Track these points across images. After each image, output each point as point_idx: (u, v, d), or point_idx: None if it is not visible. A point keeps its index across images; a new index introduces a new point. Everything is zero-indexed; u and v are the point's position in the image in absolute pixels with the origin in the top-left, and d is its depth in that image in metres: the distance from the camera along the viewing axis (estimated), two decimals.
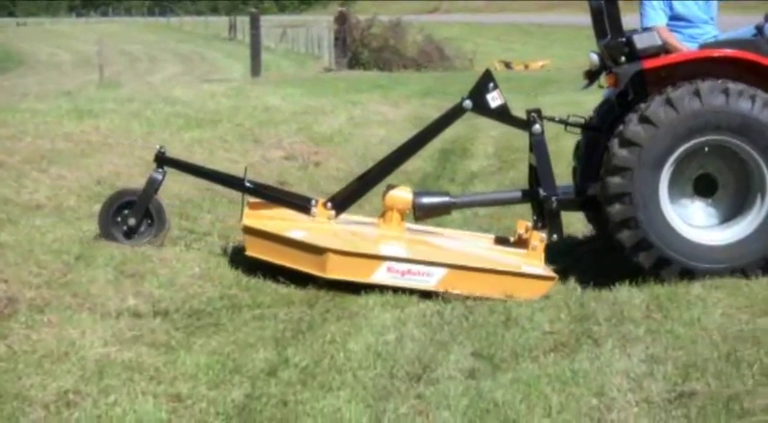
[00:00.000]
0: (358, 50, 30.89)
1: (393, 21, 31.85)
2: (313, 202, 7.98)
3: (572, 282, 7.41)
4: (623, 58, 7.71)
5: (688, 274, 7.39)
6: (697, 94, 7.39)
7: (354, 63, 30.63)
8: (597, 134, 8.15)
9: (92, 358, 5.80)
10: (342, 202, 8.01)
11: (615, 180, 7.48)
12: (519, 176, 11.90)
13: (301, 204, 7.99)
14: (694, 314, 6.52)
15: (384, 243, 7.72)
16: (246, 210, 7.97)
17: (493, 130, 15.56)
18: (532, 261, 7.68)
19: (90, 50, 40.80)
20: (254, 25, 27.80)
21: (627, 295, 7.05)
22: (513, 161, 13.33)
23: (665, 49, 7.77)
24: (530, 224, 8.04)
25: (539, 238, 7.76)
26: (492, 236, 8.50)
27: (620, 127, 7.55)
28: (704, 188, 7.73)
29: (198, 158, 11.59)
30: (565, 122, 8.28)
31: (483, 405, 5.35)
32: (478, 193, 9.58)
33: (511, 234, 8.30)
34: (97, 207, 8.31)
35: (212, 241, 8.53)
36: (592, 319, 6.67)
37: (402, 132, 15.27)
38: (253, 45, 27.32)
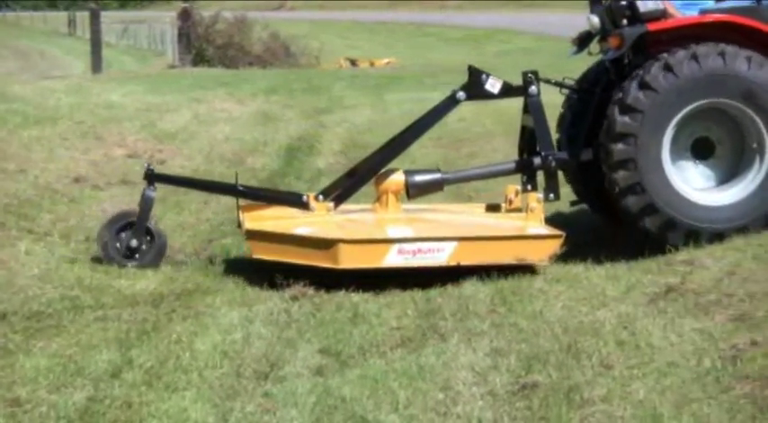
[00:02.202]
0: (202, 47, 30.53)
1: (238, 17, 31.56)
2: (304, 197, 8.00)
3: (419, 278, 7.47)
4: (624, 21, 7.92)
5: (694, 235, 7.58)
6: (695, 57, 7.56)
7: (199, 60, 30.26)
8: (585, 102, 8.35)
9: None
10: (339, 194, 8.03)
11: (619, 146, 7.61)
12: None
13: (299, 201, 7.99)
14: (536, 307, 6.67)
15: (389, 226, 7.79)
16: (243, 214, 7.90)
17: (338, 127, 15.65)
18: (534, 223, 7.83)
19: None
20: (95, 21, 27.21)
21: (472, 290, 7.15)
22: (360, 158, 13.35)
23: (666, 14, 7.96)
24: (519, 188, 8.17)
25: (536, 199, 7.91)
26: (482, 204, 8.59)
27: (620, 94, 7.68)
28: (701, 151, 7.90)
29: (37, 157, 11.30)
30: (560, 85, 8.48)
31: (330, 402, 5.36)
32: (470, 167, 9.62)
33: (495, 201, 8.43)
34: None
35: (53, 241, 8.32)
36: (438, 315, 6.75)
37: (248, 130, 15.22)
38: (93, 41, 26.73)
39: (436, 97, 18.62)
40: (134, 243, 7.88)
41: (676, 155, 7.81)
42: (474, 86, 8.08)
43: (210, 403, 5.36)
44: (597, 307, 6.57)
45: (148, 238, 7.94)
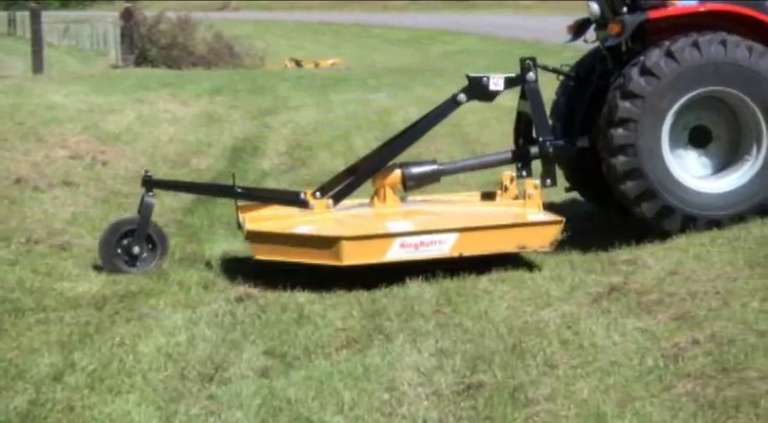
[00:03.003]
0: (146, 47, 30.27)
1: (181, 17, 31.33)
2: (301, 195, 8.02)
3: (364, 278, 7.46)
4: (625, 9, 8.02)
5: (691, 221, 7.69)
6: (696, 45, 7.65)
7: (142, 60, 30.00)
8: (580, 89, 8.48)
9: None
10: (338, 192, 8.06)
11: (619, 132, 7.67)
12: (312, 174, 11.96)
13: (297, 200, 8.00)
14: (481, 308, 6.69)
15: (390, 221, 7.81)
16: (242, 215, 7.89)
17: (284, 128, 15.61)
18: (532, 209, 7.89)
19: None
20: (35, 20, 26.88)
21: (417, 290, 7.16)
22: (305, 159, 13.39)
23: (665, 2, 8.03)
24: (514, 175, 8.23)
25: (533, 186, 7.96)
26: (477, 192, 8.62)
27: (620, 80, 7.74)
28: (698, 139, 8.02)
29: None
30: (558, 71, 8.57)
31: (276, 403, 5.35)
32: (465, 158, 9.57)
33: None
34: None
35: None
36: (383, 315, 6.75)
37: (192, 131, 15.12)
38: (34, 41, 26.40)
39: (381, 98, 18.90)
40: (136, 250, 7.83)
41: (674, 143, 7.89)
42: (478, 91, 8.09)
43: (154, 406, 5.33)
44: (541, 307, 6.61)
45: (150, 245, 7.90)
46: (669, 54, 7.69)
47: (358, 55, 33.95)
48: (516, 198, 8.21)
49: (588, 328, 6.07)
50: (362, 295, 7.22)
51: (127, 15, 30.60)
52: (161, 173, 11.97)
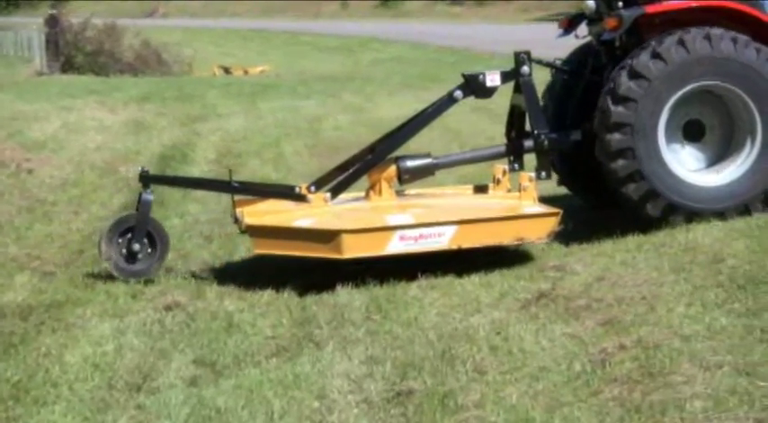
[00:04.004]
0: (72, 54, 29.94)
1: (108, 24, 31.06)
2: (297, 189, 8.07)
3: (294, 286, 7.47)
4: (620, 4, 8.15)
5: (695, 216, 7.82)
6: (682, 43, 7.76)
7: (68, 67, 29.68)
8: (570, 84, 8.65)
9: None
10: (336, 186, 8.10)
11: (615, 136, 7.77)
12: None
13: (294, 193, 8.04)
14: (411, 314, 6.71)
15: (389, 214, 7.78)
16: (240, 210, 7.86)
17: (212, 135, 15.53)
18: (528, 202, 7.94)
19: None
20: None
21: (347, 298, 7.16)
22: (234, 166, 13.24)
23: None
24: (507, 168, 8.30)
25: (527, 178, 8.01)
26: (470, 186, 8.68)
27: (611, 85, 7.86)
28: (692, 133, 8.13)
29: None
30: (552, 65, 8.75)
31: (205, 412, 5.32)
32: (460, 152, 9.58)
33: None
34: None
35: None
36: (313, 323, 6.75)
37: (120, 138, 14.99)
38: None
39: (311, 105, 18.86)
40: (136, 247, 7.73)
41: (669, 138, 7.99)
42: (475, 88, 8.13)
43: (81, 417, 5.28)
44: (471, 313, 6.65)
45: (149, 242, 7.80)
46: (656, 55, 7.80)
47: (288, 62, 33.88)
48: (509, 191, 8.30)
49: (517, 334, 6.12)
50: (292, 303, 7.20)
51: (52, 22, 30.25)
52: (88, 181, 11.86)
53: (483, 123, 14.31)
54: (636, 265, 7.07)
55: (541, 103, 8.66)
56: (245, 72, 30.01)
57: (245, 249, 8.66)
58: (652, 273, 6.84)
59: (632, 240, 7.72)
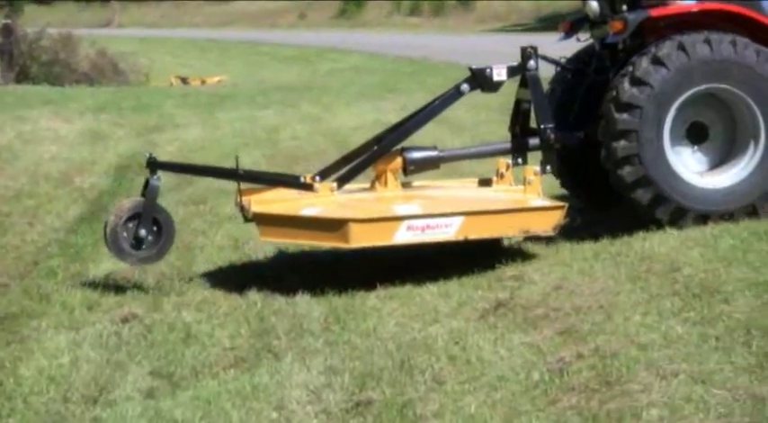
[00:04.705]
0: (26, 64, 29.64)
1: (64, 34, 30.78)
2: (302, 178, 8.11)
3: (252, 296, 7.45)
4: (624, 7, 8.26)
5: (703, 219, 7.90)
6: (682, 47, 7.85)
7: (23, 77, 29.38)
8: (574, 83, 8.76)
9: None
10: (342, 176, 8.14)
11: (621, 143, 7.86)
12: (198, 192, 11.82)
13: (302, 183, 8.05)
14: (370, 325, 6.72)
15: (396, 204, 7.83)
16: (246, 198, 7.85)
17: (170, 145, 15.43)
18: (533, 195, 8.00)
19: None
20: None
21: (306, 308, 7.16)
22: (191, 177, 13.22)
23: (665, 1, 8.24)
24: (510, 162, 8.38)
25: (533, 172, 8.07)
26: (475, 179, 8.70)
27: (613, 93, 7.91)
28: (695, 136, 8.22)
29: None
30: (557, 63, 8.83)
31: None
32: (466, 146, 9.66)
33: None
34: None
35: None
36: (272, 334, 6.74)
37: (75, 149, 14.88)
38: None
39: (269, 115, 18.76)
40: (142, 233, 7.66)
41: (674, 142, 8.08)
42: (482, 81, 8.24)
43: None
44: (430, 323, 6.66)
45: (156, 228, 7.74)
46: (657, 60, 7.89)
47: (245, 72, 33.73)
48: (512, 185, 8.37)
49: (475, 344, 6.14)
50: (251, 313, 7.18)
51: (6, 31, 29.95)
52: (42, 191, 11.77)
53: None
54: (593, 274, 7.12)
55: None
56: (203, 82, 29.79)
57: (204, 260, 8.64)
58: (609, 282, 6.88)
59: (589, 249, 7.77)
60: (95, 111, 18.45)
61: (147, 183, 7.81)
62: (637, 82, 7.88)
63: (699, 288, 6.45)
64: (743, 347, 5.52)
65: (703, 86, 7.97)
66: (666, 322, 6.01)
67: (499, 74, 8.25)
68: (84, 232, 9.93)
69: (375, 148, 8.29)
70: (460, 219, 7.50)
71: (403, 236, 7.42)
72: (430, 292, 7.34)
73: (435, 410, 5.29)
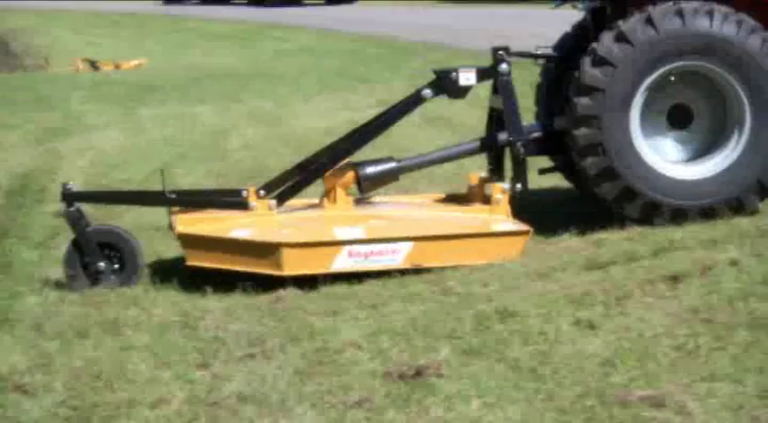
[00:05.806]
0: None
1: None
2: (244, 193, 8.18)
3: None
4: None
5: (681, 214, 8.19)
6: (650, 21, 8.10)
7: None
8: (560, 71, 9.15)
9: None
10: (283, 192, 8.29)
11: (582, 131, 8.17)
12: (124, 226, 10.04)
13: (236, 201, 8.17)
14: None
15: (338, 226, 8.00)
16: (173, 215, 8.08)
17: (81, 157, 13.88)
18: (499, 217, 8.22)
19: None
20: None
21: None
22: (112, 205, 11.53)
23: None
24: (483, 175, 8.75)
25: (500, 190, 8.31)
26: (442, 194, 9.12)
27: (576, 73, 8.26)
28: (680, 121, 8.51)
29: None
30: (535, 55, 9.25)
31: None
32: (427, 153, 9.43)
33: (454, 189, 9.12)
34: None
35: None
36: None
37: None
38: None
39: (208, 113, 17.32)
40: (101, 266, 7.92)
41: (648, 128, 8.34)
42: (448, 86, 8.42)
43: None
44: None
45: (109, 254, 7.96)
46: (620, 37, 8.11)
47: (169, 54, 32.39)
48: (484, 202, 8.57)
49: None
50: None
51: None
52: None
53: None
54: None
55: (534, 98, 9.45)
56: (117, 67, 28.61)
57: None
58: None
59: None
60: None
61: (67, 216, 8.00)
62: (599, 62, 8.10)
63: None
64: None
65: (676, 64, 8.15)
66: None
67: (467, 78, 8.41)
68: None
69: (323, 159, 8.42)
70: (409, 244, 7.72)
71: (344, 263, 7.63)
72: None
73: None
